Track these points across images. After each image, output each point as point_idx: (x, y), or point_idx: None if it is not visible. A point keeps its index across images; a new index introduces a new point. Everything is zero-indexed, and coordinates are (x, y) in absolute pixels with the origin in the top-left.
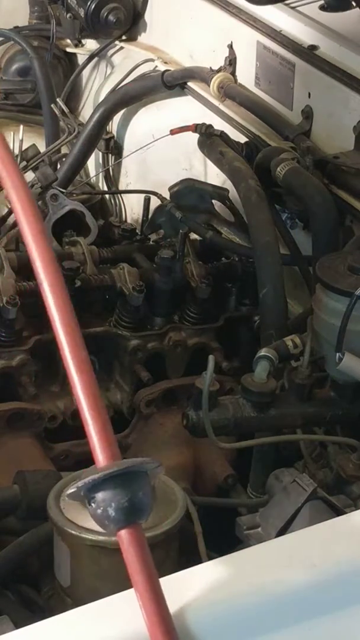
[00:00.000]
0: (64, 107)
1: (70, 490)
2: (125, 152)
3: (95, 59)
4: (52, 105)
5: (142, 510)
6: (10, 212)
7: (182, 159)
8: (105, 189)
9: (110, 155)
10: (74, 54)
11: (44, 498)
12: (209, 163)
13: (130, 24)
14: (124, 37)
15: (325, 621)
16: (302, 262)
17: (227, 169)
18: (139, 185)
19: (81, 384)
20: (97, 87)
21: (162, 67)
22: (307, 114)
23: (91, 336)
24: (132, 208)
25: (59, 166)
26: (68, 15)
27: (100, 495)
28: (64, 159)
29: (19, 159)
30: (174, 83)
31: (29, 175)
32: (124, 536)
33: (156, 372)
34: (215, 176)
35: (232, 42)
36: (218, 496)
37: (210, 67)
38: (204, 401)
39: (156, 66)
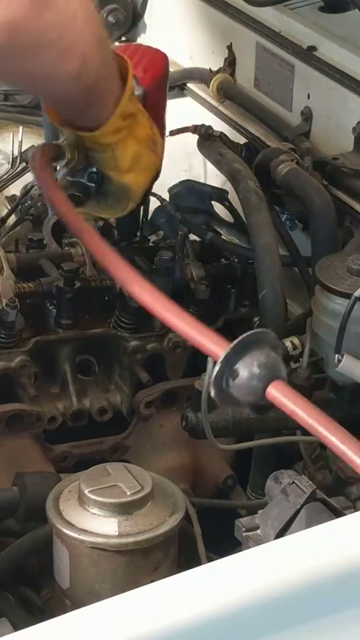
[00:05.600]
0: None
1: (215, 372)
2: None
3: None
4: None
5: (280, 367)
6: (9, 213)
7: (181, 160)
8: None
9: None
10: None
11: (43, 500)
12: (209, 164)
13: (130, 25)
14: (123, 38)
15: (325, 624)
16: (301, 263)
17: (227, 170)
18: None
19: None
20: None
21: None
22: (307, 115)
23: (90, 337)
24: None
25: (58, 167)
26: None
27: (240, 364)
28: None
29: (18, 160)
30: (173, 84)
31: (29, 177)
32: (274, 390)
33: (156, 374)
34: (214, 177)
35: (231, 44)
36: (217, 497)
37: (210, 69)
38: (203, 403)
39: None
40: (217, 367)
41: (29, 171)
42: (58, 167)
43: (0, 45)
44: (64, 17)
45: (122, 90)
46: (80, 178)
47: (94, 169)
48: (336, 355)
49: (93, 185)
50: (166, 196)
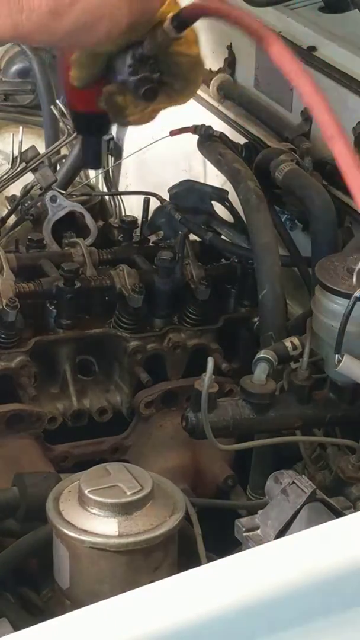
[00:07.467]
0: (63, 108)
1: None
2: (124, 154)
3: None
4: (52, 107)
5: None
6: (9, 213)
7: (181, 160)
8: (105, 190)
9: (109, 156)
10: None
11: (43, 500)
12: (209, 164)
13: None
14: None
15: (324, 624)
16: (301, 263)
17: (227, 170)
18: (139, 187)
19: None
20: None
21: None
22: (307, 115)
23: (91, 338)
24: (132, 209)
25: (58, 167)
26: None
27: None
28: (63, 160)
29: (18, 160)
30: None
31: (29, 177)
32: None
33: (156, 374)
34: (214, 177)
35: (231, 44)
36: (217, 497)
37: (210, 69)
38: (203, 403)
39: None
40: None
41: (29, 171)
42: None
43: (47, 36)
44: (88, 14)
45: None
46: (143, 73)
47: (153, 60)
48: (336, 356)
49: (157, 74)
50: (166, 196)
